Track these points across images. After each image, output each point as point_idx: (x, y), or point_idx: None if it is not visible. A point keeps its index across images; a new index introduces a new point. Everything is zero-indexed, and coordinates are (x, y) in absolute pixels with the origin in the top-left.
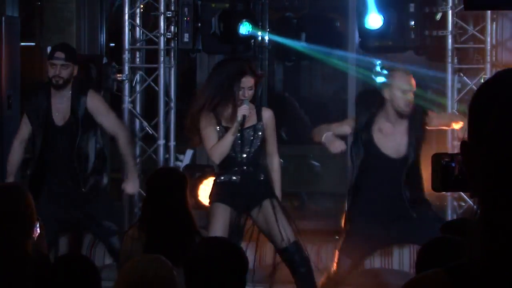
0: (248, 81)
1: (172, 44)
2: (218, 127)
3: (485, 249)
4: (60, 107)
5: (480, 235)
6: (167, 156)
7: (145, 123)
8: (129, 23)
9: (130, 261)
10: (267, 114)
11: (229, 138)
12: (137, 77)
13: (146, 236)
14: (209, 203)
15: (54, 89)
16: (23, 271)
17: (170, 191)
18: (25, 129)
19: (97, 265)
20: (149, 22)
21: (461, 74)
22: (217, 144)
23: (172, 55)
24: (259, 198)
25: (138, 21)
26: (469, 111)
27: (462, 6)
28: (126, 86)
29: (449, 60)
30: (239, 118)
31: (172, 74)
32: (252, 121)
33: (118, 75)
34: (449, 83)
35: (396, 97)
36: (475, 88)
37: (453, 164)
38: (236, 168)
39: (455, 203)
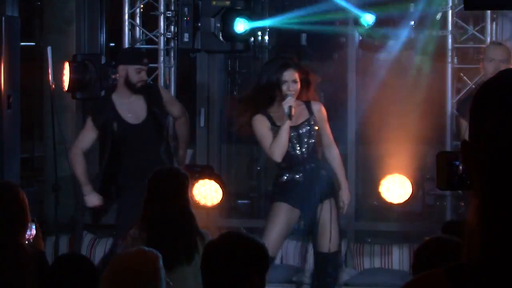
0: (290, 74)
1: (172, 44)
2: (271, 127)
3: (484, 248)
4: (132, 107)
5: (479, 234)
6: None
7: None
8: (129, 22)
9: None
10: (317, 107)
11: (283, 134)
12: None
13: (147, 235)
14: (271, 202)
15: (131, 92)
16: (18, 270)
17: (171, 190)
18: (88, 140)
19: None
20: (149, 22)
21: (461, 74)
22: (274, 142)
23: (172, 54)
24: (322, 196)
25: (138, 20)
26: (469, 110)
27: (462, 6)
28: None
29: (449, 60)
30: (286, 110)
31: (172, 74)
32: (304, 116)
33: (118, 74)
34: (449, 83)
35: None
36: (474, 88)
37: (458, 163)
38: (297, 167)
39: (455, 203)
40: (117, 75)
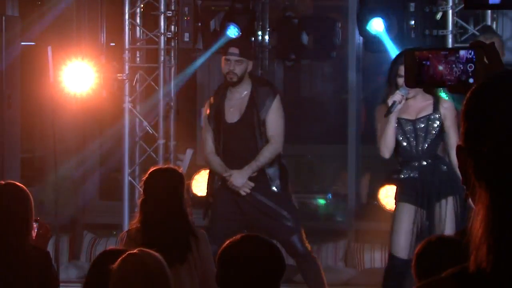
0: None
1: (172, 44)
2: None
3: (493, 256)
4: (235, 103)
5: (486, 242)
6: (167, 155)
7: (145, 123)
8: (129, 22)
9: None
10: (446, 105)
11: (388, 129)
12: (137, 76)
13: (142, 235)
14: (395, 203)
15: (230, 86)
16: (22, 271)
17: (166, 190)
18: (210, 139)
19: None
20: (149, 22)
21: None
22: (380, 137)
23: (172, 54)
24: (443, 192)
25: (138, 20)
26: (467, 113)
27: (463, 5)
28: (126, 85)
29: None
30: (389, 103)
31: (172, 74)
32: (426, 111)
33: (119, 74)
34: None
35: None
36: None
37: (428, 63)
38: (414, 163)
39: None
40: (117, 74)
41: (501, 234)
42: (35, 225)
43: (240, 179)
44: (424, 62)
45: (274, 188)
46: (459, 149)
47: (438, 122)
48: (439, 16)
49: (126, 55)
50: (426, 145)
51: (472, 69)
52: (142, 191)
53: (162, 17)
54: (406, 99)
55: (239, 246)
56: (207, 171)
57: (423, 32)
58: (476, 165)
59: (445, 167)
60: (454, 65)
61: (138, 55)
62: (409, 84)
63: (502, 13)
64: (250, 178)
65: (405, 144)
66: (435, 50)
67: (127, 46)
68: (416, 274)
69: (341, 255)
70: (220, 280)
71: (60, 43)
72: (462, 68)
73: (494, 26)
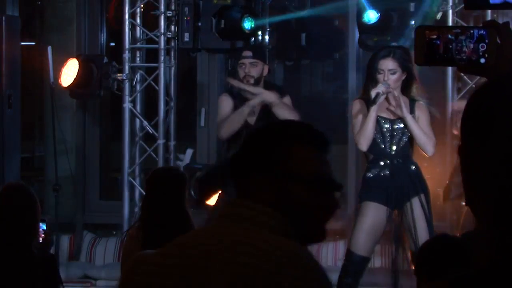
0: (387, 63)
1: (173, 44)
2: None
3: (493, 258)
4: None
5: (486, 244)
6: (167, 155)
7: (145, 123)
8: (129, 22)
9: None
10: (421, 107)
11: (368, 121)
12: (138, 76)
13: (143, 235)
14: (360, 200)
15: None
16: (28, 274)
17: (168, 190)
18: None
19: (97, 264)
20: (150, 22)
21: (461, 74)
22: (360, 129)
23: (173, 54)
24: (409, 193)
25: (138, 20)
26: (468, 114)
27: (463, 5)
28: (127, 85)
29: None
30: (372, 95)
31: (172, 74)
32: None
33: (119, 74)
34: (449, 82)
35: None
36: (475, 87)
37: (438, 42)
38: (385, 161)
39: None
40: (117, 74)
41: (505, 234)
42: (41, 229)
43: (271, 94)
44: (434, 41)
45: None
46: (460, 148)
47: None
48: (439, 16)
49: (126, 55)
50: (400, 146)
51: (484, 48)
52: (145, 190)
53: (162, 17)
54: (386, 96)
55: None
56: None
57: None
58: (477, 165)
59: (414, 167)
60: (465, 44)
61: (138, 55)
62: (418, 61)
63: (502, 13)
64: None
65: (379, 142)
66: (447, 28)
67: (127, 46)
68: (417, 272)
69: (341, 255)
70: None
71: (60, 43)
72: (473, 47)
73: None
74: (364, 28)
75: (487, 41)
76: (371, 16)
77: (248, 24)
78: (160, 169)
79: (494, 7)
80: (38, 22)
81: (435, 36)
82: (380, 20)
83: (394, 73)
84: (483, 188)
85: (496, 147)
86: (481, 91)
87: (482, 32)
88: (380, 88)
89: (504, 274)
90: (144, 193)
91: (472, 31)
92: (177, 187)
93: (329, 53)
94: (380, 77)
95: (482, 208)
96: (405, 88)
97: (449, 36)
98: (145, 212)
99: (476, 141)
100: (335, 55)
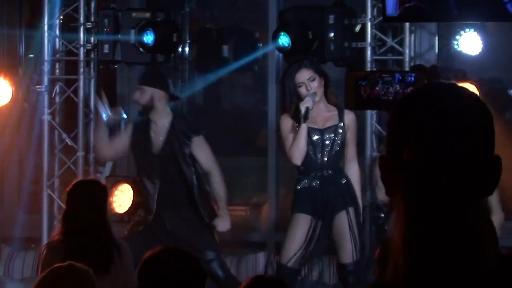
0: (303, 75)
1: (92, 55)
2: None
3: (409, 268)
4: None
5: (402, 254)
6: (87, 167)
7: (64, 135)
8: (48, 34)
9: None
10: (350, 117)
11: (301, 136)
12: (57, 88)
13: (65, 247)
14: (291, 212)
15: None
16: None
17: (90, 202)
18: None
19: (15, 278)
20: (69, 33)
21: None
22: (292, 144)
23: (92, 66)
24: (337, 206)
25: (57, 32)
26: (392, 122)
27: (381, 18)
28: (45, 97)
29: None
30: (302, 110)
31: (92, 86)
32: (333, 121)
33: (38, 86)
34: None
35: None
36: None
37: (364, 83)
38: (315, 173)
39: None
40: (36, 86)
41: (416, 245)
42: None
43: (227, 225)
44: (360, 82)
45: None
46: (382, 158)
47: (342, 133)
48: (358, 28)
49: (46, 66)
50: (331, 156)
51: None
52: (65, 202)
53: (81, 28)
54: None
55: (158, 258)
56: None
57: (342, 44)
58: (395, 175)
59: (344, 179)
60: (390, 86)
61: (57, 66)
62: (348, 105)
63: (420, 25)
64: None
65: (310, 153)
66: (375, 71)
67: (46, 58)
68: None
69: (261, 267)
70: None
71: None
72: (398, 89)
73: (412, 39)
74: (282, 50)
75: (414, 83)
76: (284, 40)
77: (148, 39)
78: (81, 182)
79: (411, 19)
80: None
81: (362, 78)
82: (296, 40)
83: (313, 80)
84: (398, 198)
85: (407, 159)
86: (400, 103)
87: (410, 75)
88: (308, 103)
89: (422, 280)
90: (63, 206)
91: (398, 74)
92: (98, 199)
93: (249, 65)
94: (302, 90)
95: (397, 216)
96: (326, 95)
97: (375, 78)
98: (66, 224)
99: (391, 151)
100: (255, 67)
